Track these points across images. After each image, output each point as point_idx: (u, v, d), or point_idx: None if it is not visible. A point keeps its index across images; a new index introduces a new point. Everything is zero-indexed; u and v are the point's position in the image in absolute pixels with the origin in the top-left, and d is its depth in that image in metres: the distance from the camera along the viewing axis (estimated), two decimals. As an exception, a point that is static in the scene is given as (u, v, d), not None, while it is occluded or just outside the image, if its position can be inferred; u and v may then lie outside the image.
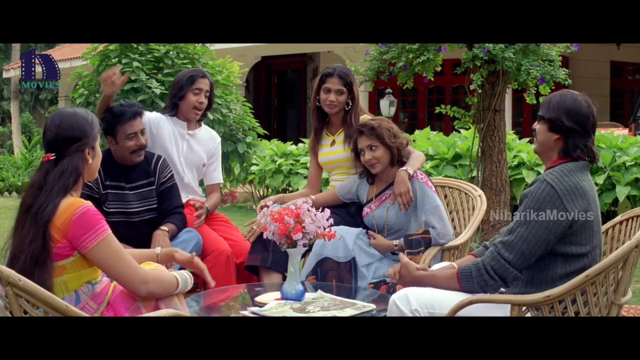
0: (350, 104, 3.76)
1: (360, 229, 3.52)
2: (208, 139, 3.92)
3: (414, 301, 2.40)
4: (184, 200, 3.70)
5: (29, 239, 2.16)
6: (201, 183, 4.06)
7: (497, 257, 2.38)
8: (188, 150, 3.80)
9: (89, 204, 2.22)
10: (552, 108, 2.47)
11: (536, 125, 2.55)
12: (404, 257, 2.71)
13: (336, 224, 3.04)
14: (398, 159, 3.48)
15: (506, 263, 2.37)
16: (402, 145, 3.49)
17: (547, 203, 2.35)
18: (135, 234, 3.44)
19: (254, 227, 3.57)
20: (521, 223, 2.37)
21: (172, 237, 3.43)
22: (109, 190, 3.44)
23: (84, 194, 2.35)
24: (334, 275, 3.31)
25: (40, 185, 2.24)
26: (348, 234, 3.40)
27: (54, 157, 2.28)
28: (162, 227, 3.39)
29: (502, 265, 2.37)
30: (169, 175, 3.57)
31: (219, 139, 4.00)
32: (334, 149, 3.83)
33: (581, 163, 2.44)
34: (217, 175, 4.01)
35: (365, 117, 3.76)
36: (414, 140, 7.38)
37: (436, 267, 2.90)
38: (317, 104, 3.82)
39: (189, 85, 3.73)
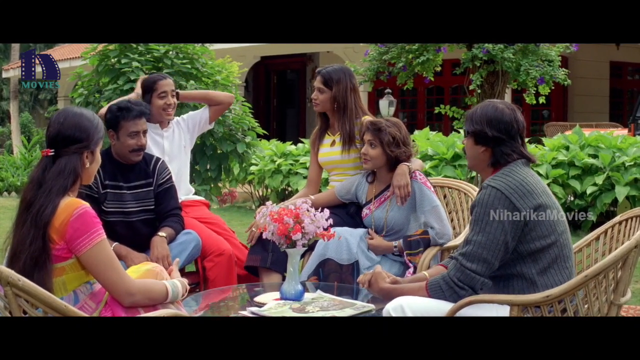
0: (341, 107, 3.75)
1: (364, 230, 3.52)
2: (175, 125, 3.95)
3: (409, 310, 2.39)
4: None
5: (29, 240, 2.16)
6: (193, 180, 4.08)
7: (461, 268, 2.40)
8: (169, 145, 3.84)
9: (86, 205, 2.22)
10: (475, 121, 2.52)
11: (464, 141, 2.59)
12: (378, 267, 2.72)
13: (335, 224, 3.04)
14: (396, 165, 3.47)
15: (471, 273, 2.38)
16: (401, 155, 3.44)
17: (496, 206, 2.37)
18: (133, 233, 3.44)
19: (253, 229, 3.57)
20: (476, 232, 2.40)
21: (171, 240, 3.43)
22: (108, 190, 3.43)
23: (83, 194, 2.35)
24: (336, 277, 3.31)
25: (39, 182, 2.24)
26: (352, 235, 3.40)
27: (52, 153, 2.28)
28: (160, 233, 3.38)
29: (467, 276, 2.39)
30: (167, 177, 3.57)
31: (179, 117, 4.03)
32: (334, 149, 3.83)
33: (519, 162, 2.48)
34: (202, 109, 4.07)
35: (367, 118, 3.75)
36: (412, 141, 7.37)
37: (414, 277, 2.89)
38: None
39: (153, 91, 3.77)
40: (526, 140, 2.66)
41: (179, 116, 4.04)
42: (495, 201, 2.38)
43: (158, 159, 3.60)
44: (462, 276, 2.39)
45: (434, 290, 2.45)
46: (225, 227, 3.89)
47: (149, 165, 3.54)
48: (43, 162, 2.28)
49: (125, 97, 3.73)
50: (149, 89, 3.78)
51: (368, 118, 3.75)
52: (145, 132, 3.45)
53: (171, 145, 3.87)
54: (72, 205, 2.20)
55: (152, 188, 3.52)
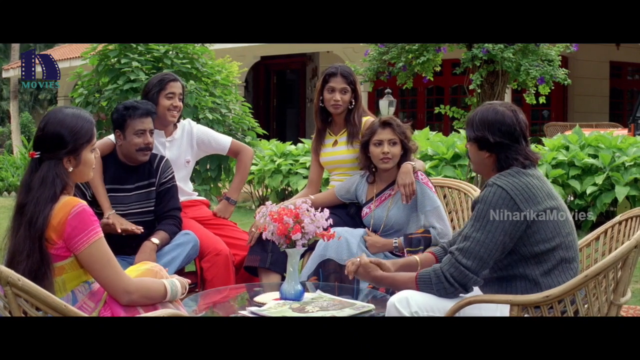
0: (354, 102, 3.76)
1: (364, 230, 3.52)
2: (185, 136, 3.84)
3: (414, 304, 2.38)
4: None
5: (26, 251, 2.15)
6: (193, 180, 4.05)
7: (455, 264, 2.37)
8: (171, 156, 3.74)
9: (84, 203, 2.22)
10: (476, 126, 2.47)
11: (467, 145, 2.55)
12: (364, 258, 2.69)
13: (335, 225, 3.04)
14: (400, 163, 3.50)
15: (465, 270, 2.36)
16: (412, 150, 3.53)
17: (500, 205, 2.34)
18: (130, 236, 3.38)
19: (253, 229, 3.57)
20: (476, 228, 2.37)
21: (164, 245, 3.40)
22: (109, 194, 3.42)
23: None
24: (336, 277, 3.31)
25: (28, 186, 2.23)
26: (352, 235, 3.40)
27: (38, 155, 2.26)
28: (153, 240, 3.35)
29: (461, 272, 2.36)
30: (170, 176, 3.56)
31: (190, 124, 3.91)
32: (337, 149, 3.83)
33: (525, 163, 2.45)
34: (224, 141, 3.95)
35: (369, 119, 3.75)
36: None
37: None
38: (321, 104, 3.81)
39: (161, 90, 3.66)
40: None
41: (185, 120, 3.96)
42: (500, 200, 2.35)
43: (162, 157, 3.57)
44: (456, 272, 2.37)
45: (423, 283, 2.43)
46: (225, 221, 3.89)
47: (153, 164, 3.52)
48: (31, 165, 2.28)
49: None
50: (156, 86, 3.66)
51: (369, 118, 3.75)
52: (152, 131, 3.43)
53: (172, 156, 3.76)
54: (69, 203, 2.20)
55: (154, 188, 3.50)
